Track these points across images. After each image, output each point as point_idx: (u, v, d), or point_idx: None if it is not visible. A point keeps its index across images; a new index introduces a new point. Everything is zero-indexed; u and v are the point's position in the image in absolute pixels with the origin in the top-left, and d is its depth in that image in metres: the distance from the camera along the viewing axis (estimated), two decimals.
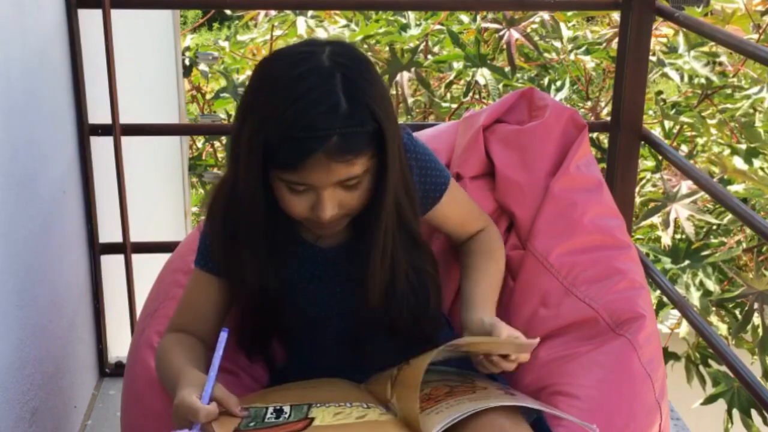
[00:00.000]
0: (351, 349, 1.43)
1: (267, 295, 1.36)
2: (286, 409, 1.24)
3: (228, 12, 5.72)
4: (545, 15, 3.55)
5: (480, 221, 1.55)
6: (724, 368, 2.72)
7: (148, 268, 2.10)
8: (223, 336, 1.24)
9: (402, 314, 1.37)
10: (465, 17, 3.98)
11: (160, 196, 3.77)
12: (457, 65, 3.60)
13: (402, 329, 1.39)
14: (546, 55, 3.80)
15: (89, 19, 2.13)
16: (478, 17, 3.75)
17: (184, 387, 1.20)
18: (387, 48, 3.70)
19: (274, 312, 1.40)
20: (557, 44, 3.75)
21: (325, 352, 1.44)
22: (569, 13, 3.84)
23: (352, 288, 1.38)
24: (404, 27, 3.81)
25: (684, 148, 3.77)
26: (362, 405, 1.25)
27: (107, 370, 2.30)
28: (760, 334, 2.63)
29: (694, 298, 2.89)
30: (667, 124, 3.60)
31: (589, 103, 4.06)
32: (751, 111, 3.47)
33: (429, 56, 3.81)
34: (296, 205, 1.25)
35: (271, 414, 1.23)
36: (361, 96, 1.19)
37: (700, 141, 3.71)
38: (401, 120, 2.94)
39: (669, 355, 3.01)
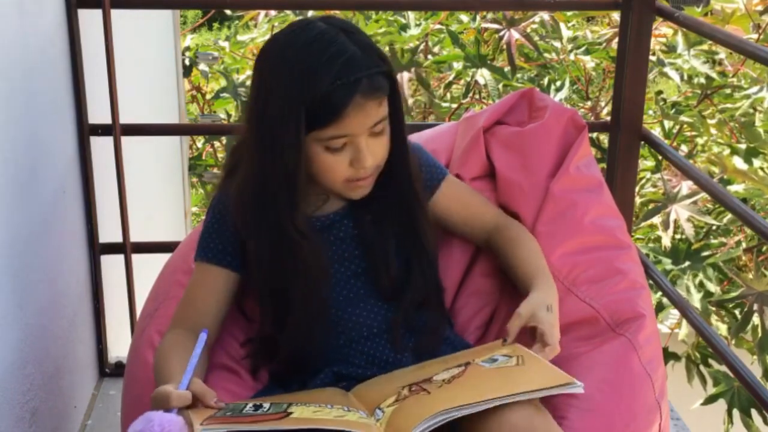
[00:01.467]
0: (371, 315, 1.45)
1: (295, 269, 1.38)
2: (266, 405, 1.25)
3: (228, 12, 5.71)
4: (545, 15, 3.55)
5: (495, 212, 1.60)
6: (724, 368, 2.72)
7: (148, 268, 2.10)
8: (203, 336, 1.30)
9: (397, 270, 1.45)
10: (465, 17, 3.98)
11: (160, 196, 3.77)
12: (457, 65, 3.60)
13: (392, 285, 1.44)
14: (546, 55, 3.80)
15: (89, 19, 2.13)
16: (478, 17, 3.75)
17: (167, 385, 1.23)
18: (387, 48, 3.70)
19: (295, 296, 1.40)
20: (557, 44, 3.75)
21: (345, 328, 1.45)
22: (569, 13, 3.84)
23: (359, 251, 1.44)
24: (404, 27, 3.81)
25: (684, 148, 3.77)
26: (343, 408, 1.26)
27: (107, 370, 2.30)
28: (760, 334, 2.63)
29: (695, 300, 2.89)
30: (667, 124, 3.60)
31: (589, 103, 4.06)
32: (751, 111, 3.47)
33: (429, 56, 3.81)
34: (336, 165, 1.33)
35: (250, 407, 1.24)
36: (367, 44, 1.32)
37: (700, 141, 3.70)
38: None
39: (669, 355, 3.01)
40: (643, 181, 3.46)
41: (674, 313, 3.30)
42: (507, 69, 3.50)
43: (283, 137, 1.30)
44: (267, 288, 1.42)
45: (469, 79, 3.49)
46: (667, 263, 2.97)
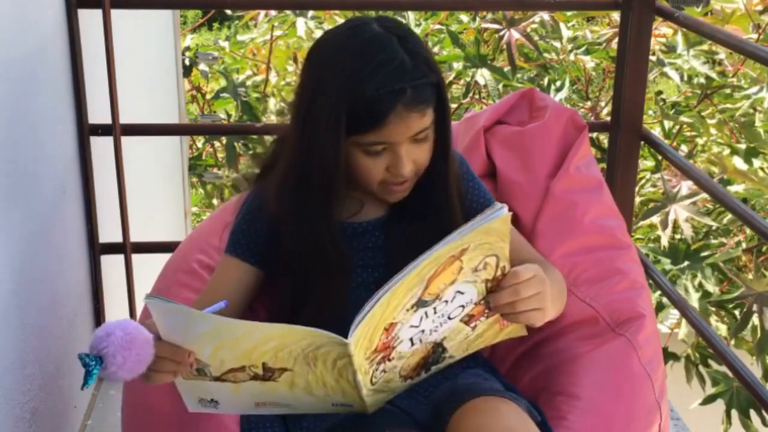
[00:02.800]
0: None
1: (322, 268, 1.38)
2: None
3: (228, 12, 5.72)
4: (545, 15, 3.55)
5: (537, 258, 1.51)
6: (723, 368, 2.72)
7: (148, 268, 2.10)
8: (221, 304, 1.28)
9: None
10: (465, 17, 3.98)
11: (160, 196, 3.77)
12: (457, 65, 3.60)
13: None
14: (546, 55, 3.80)
15: (89, 19, 2.13)
16: (478, 17, 3.75)
17: None
18: None
19: (318, 290, 1.40)
20: (557, 44, 3.75)
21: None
22: (569, 13, 3.84)
23: (386, 261, 1.43)
24: None
25: (684, 148, 3.77)
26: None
27: None
28: (759, 335, 2.63)
29: (693, 299, 2.89)
30: (667, 124, 3.60)
31: (589, 103, 4.06)
32: (751, 111, 3.47)
33: None
34: (373, 167, 1.32)
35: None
36: (419, 52, 1.29)
37: (700, 141, 3.71)
38: None
39: (669, 356, 3.01)
40: (643, 181, 3.47)
41: (674, 313, 3.30)
42: (507, 69, 3.50)
43: (324, 137, 1.29)
44: (288, 281, 1.43)
45: (469, 79, 3.49)
46: (666, 263, 2.97)
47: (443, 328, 1.27)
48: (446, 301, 1.24)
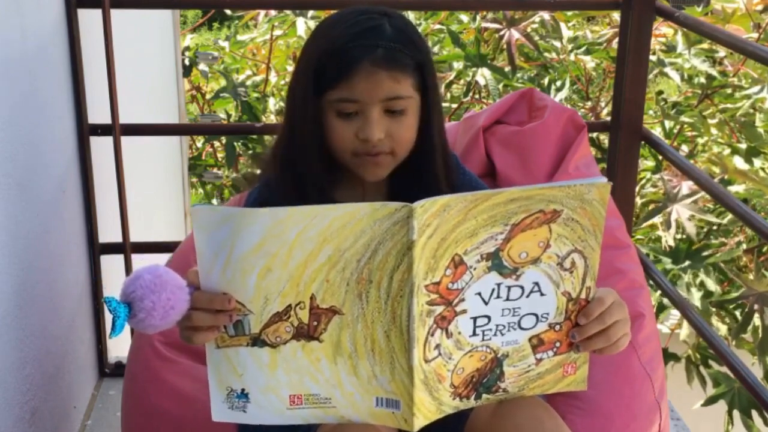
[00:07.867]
0: None
1: None
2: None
3: (228, 12, 5.72)
4: (545, 15, 3.55)
5: None
6: (724, 369, 2.72)
7: None
8: None
9: None
10: (465, 17, 3.98)
11: (160, 196, 3.77)
12: (457, 65, 3.60)
13: None
14: (546, 55, 3.80)
15: (89, 19, 2.13)
16: (478, 17, 3.75)
17: None
18: None
19: None
20: (557, 44, 3.75)
21: None
22: (569, 13, 3.84)
23: None
24: None
25: (684, 148, 3.77)
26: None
27: (107, 370, 2.30)
28: (761, 335, 2.63)
29: (695, 298, 2.88)
30: (668, 124, 3.60)
31: (589, 103, 4.05)
32: (752, 111, 3.47)
33: None
34: (344, 131, 1.28)
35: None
36: (404, 30, 1.28)
37: (701, 141, 3.71)
38: None
39: (669, 356, 3.01)
40: (644, 181, 3.46)
41: (675, 314, 3.30)
42: (507, 69, 3.50)
43: (300, 96, 1.30)
44: None
45: (469, 78, 3.49)
46: (668, 263, 2.97)
47: (510, 336, 1.19)
48: (522, 288, 1.16)
